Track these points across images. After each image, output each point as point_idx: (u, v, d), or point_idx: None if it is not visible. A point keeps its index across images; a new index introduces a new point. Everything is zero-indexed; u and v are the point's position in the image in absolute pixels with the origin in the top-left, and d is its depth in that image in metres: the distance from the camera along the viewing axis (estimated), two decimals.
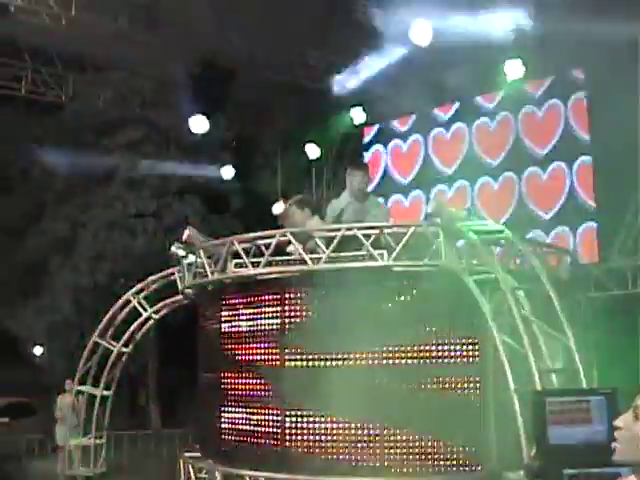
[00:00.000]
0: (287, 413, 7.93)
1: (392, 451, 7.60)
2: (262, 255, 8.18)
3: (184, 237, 9.47)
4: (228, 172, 19.41)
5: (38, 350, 24.45)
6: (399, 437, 7.58)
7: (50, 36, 14.76)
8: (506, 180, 15.36)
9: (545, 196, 14.74)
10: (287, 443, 7.90)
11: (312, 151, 18.26)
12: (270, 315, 8.19)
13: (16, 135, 20.90)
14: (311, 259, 7.82)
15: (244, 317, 8.49)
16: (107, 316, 11.46)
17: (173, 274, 10.48)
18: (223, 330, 8.79)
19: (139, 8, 14.94)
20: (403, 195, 17.09)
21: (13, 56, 16.40)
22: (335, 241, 7.73)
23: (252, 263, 8.23)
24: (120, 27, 14.60)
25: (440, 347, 7.64)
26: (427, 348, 7.64)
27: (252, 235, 8.41)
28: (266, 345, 8.20)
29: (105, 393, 12.00)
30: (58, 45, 15.90)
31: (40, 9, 13.59)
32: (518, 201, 15.11)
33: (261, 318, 8.28)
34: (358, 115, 17.43)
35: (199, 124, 17.08)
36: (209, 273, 8.75)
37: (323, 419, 7.74)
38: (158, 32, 14.99)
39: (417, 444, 7.56)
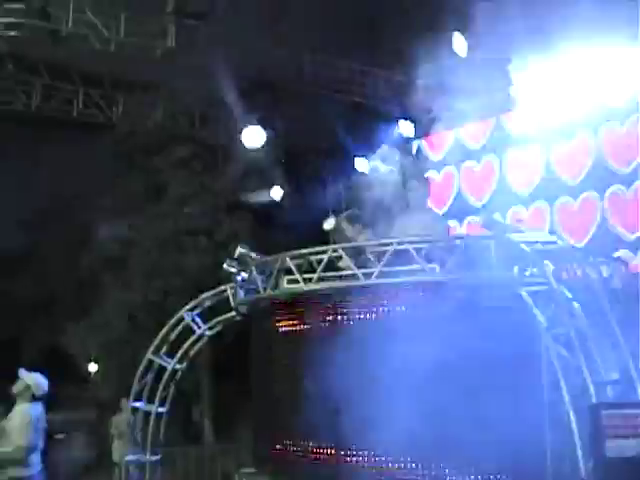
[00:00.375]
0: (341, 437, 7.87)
1: (445, 465, 7.57)
2: (314, 271, 8.21)
3: (236, 254, 9.56)
4: (277, 193, 19.37)
5: (93, 367, 24.78)
6: (451, 453, 7.54)
7: (100, 59, 15.06)
8: (583, 139, 15.21)
9: (623, 151, 14.51)
10: (342, 459, 7.89)
11: (362, 165, 18.20)
12: (323, 332, 8.20)
13: (68, 157, 21.21)
14: (363, 274, 7.83)
15: (296, 334, 8.52)
16: (161, 333, 11.54)
17: (225, 291, 10.56)
18: (276, 347, 8.83)
19: (186, 28, 15.14)
20: (476, 160, 16.98)
21: (64, 80, 16.73)
22: (386, 255, 7.74)
23: (304, 279, 8.27)
24: (168, 48, 14.80)
25: (494, 360, 7.55)
26: (481, 362, 7.52)
27: (304, 251, 8.45)
28: (318, 363, 8.10)
29: (160, 410, 12.07)
30: (108, 68, 16.19)
31: (90, 33, 13.88)
32: (596, 159, 14.93)
33: (314, 335, 8.29)
34: (407, 128, 17.34)
35: (254, 136, 16.57)
36: (261, 289, 8.81)
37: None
38: (205, 50, 15.16)
39: (469, 459, 7.51)
